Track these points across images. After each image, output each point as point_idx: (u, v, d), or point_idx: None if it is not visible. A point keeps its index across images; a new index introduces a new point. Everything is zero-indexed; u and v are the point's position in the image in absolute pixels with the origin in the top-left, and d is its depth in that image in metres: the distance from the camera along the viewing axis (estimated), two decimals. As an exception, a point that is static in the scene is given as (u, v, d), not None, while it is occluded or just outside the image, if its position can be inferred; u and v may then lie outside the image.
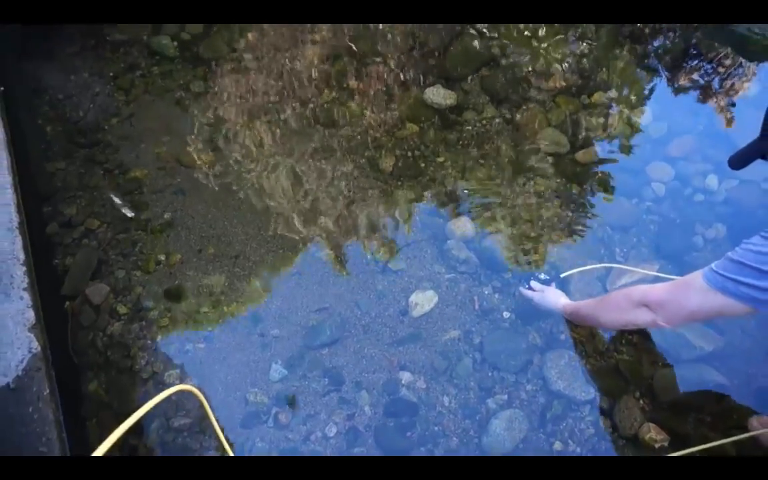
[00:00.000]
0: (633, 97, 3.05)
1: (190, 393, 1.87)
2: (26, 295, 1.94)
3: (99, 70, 3.07)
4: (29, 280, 2.00)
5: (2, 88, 2.67)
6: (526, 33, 3.33)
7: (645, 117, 2.90)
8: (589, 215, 2.46)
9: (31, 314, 1.90)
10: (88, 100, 2.93)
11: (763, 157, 1.51)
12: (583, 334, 2.05)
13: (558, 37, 3.30)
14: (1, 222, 2.10)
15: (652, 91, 3.08)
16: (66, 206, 2.49)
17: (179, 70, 3.07)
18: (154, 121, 2.84)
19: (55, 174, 2.62)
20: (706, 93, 3.01)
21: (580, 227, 2.42)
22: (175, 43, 3.17)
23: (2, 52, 2.95)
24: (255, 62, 3.13)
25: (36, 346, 1.82)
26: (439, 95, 2.87)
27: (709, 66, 3.15)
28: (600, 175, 2.61)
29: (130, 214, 2.49)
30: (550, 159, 2.65)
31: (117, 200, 2.54)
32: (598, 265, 2.24)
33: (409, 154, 2.68)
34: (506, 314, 2.13)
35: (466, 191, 2.54)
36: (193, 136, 2.77)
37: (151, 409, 1.46)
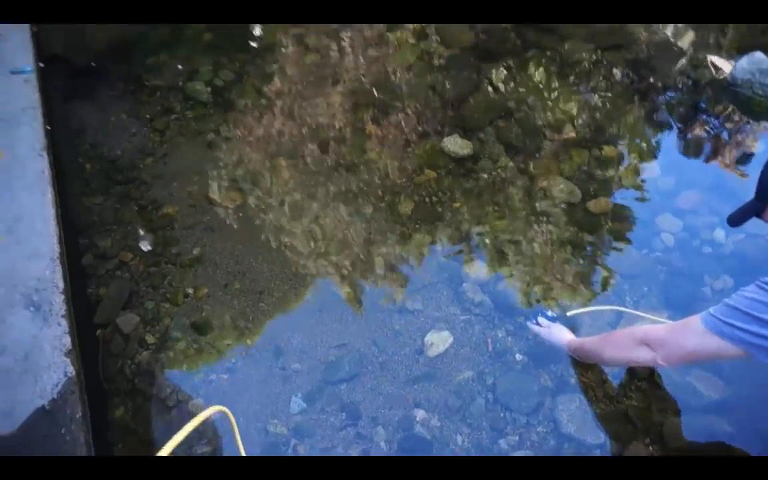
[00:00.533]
0: (643, 150, 3.11)
1: (212, 421, 1.93)
2: (63, 322, 2.02)
3: (137, 113, 3.21)
4: (67, 307, 2.07)
5: (49, 128, 2.80)
6: (540, 85, 3.42)
7: (654, 170, 2.96)
8: (599, 263, 2.50)
9: (67, 340, 1.97)
10: (126, 140, 3.05)
11: (758, 216, 1.59)
12: (593, 378, 2.07)
13: (571, 89, 3.39)
14: (43, 252, 2.19)
15: (661, 145, 3.14)
16: (101, 239, 2.59)
17: (211, 115, 3.20)
18: (186, 162, 2.95)
19: (92, 208, 2.72)
20: (713, 149, 3.07)
21: (590, 274, 2.46)
22: (209, 89, 3.31)
23: (50, 94, 3.10)
24: (281, 108, 3.25)
25: (71, 370, 1.89)
26: (456, 144, 2.96)
27: (716, 123, 3.21)
28: (610, 224, 2.65)
29: (146, 248, 2.58)
30: (562, 207, 2.70)
31: (140, 232, 2.63)
32: (605, 307, 2.27)
33: (427, 199, 2.75)
34: (519, 356, 2.16)
35: (481, 236, 2.60)
36: (222, 177, 2.87)
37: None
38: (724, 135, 3.14)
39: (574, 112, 3.25)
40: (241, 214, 2.71)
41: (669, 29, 3.80)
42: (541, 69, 3.53)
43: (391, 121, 3.17)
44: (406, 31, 3.74)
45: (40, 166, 2.53)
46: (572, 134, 3.08)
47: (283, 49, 3.62)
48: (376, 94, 3.32)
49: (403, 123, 3.15)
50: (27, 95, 2.88)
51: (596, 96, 3.38)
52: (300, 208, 2.73)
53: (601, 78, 3.49)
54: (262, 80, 3.41)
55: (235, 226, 2.66)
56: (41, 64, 3.20)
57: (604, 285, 2.41)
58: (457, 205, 2.73)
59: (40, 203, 2.38)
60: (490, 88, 3.37)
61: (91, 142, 3.04)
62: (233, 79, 3.38)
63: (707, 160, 3.03)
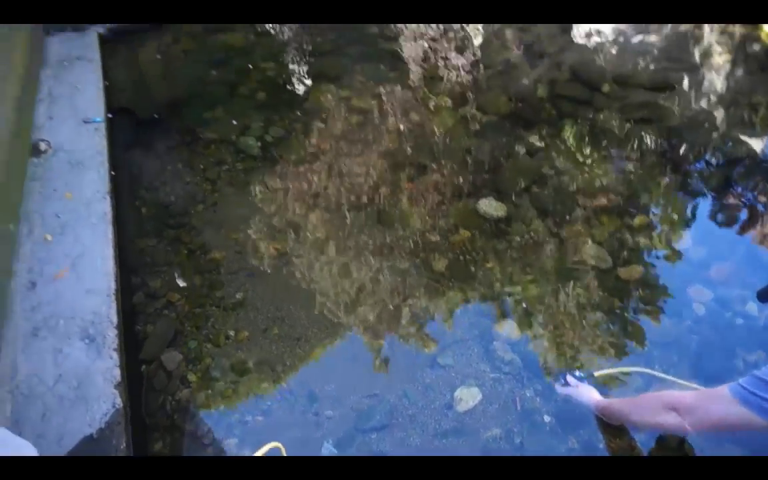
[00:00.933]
0: (674, 220, 3.11)
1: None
2: (115, 355, 2.11)
3: (191, 163, 3.38)
4: (118, 342, 2.17)
5: (113, 173, 2.99)
6: (574, 153, 3.48)
7: (686, 240, 2.95)
8: (629, 329, 2.49)
9: (117, 373, 2.06)
10: (180, 187, 3.22)
11: None
12: (621, 445, 2.04)
13: (604, 157, 3.44)
14: (101, 288, 2.32)
15: (693, 215, 3.14)
16: (152, 279, 2.70)
17: (260, 168, 3.35)
18: (234, 211, 3.09)
19: (145, 249, 2.86)
20: (745, 222, 3.05)
21: (620, 339, 2.45)
22: (259, 144, 3.48)
23: (116, 142, 3.31)
24: (325, 164, 3.39)
25: (119, 402, 1.96)
26: (490, 206, 3.02)
27: (749, 196, 3.20)
28: (641, 292, 2.65)
29: (182, 284, 2.68)
30: (593, 273, 2.71)
31: (176, 272, 2.75)
32: (633, 369, 2.25)
33: (461, 257, 2.80)
34: (547, 418, 2.15)
35: (512, 296, 2.63)
36: (266, 227, 2.99)
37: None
38: (758, 208, 3.13)
39: (607, 179, 3.29)
40: (282, 263, 2.80)
41: (702, 102, 3.85)
42: (575, 137, 3.60)
43: (428, 181, 3.26)
44: (446, 97, 3.88)
45: (104, 208, 2.70)
46: (604, 201, 3.11)
47: (328, 110, 3.79)
48: (415, 155, 3.43)
49: (439, 183, 3.24)
50: (96, 143, 3.09)
51: (629, 165, 3.41)
52: (338, 260, 2.81)
53: (633, 147, 3.54)
54: (308, 138, 3.58)
55: (277, 274, 2.75)
56: (110, 115, 3.44)
57: (634, 351, 2.39)
58: (489, 264, 2.77)
59: (101, 242, 2.52)
60: (525, 154, 3.44)
61: (148, 187, 3.21)
62: (282, 136, 3.55)
63: (739, 233, 3.01)
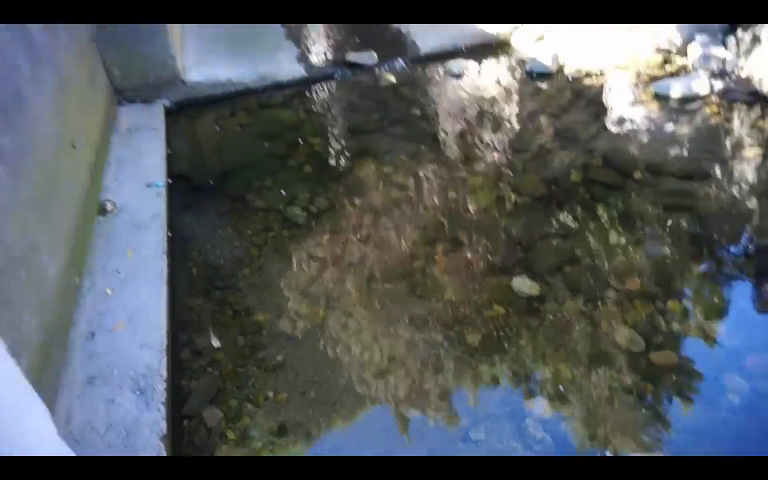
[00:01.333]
0: (709, 307, 3.08)
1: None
2: (162, 408, 2.19)
3: (240, 228, 3.54)
4: (166, 395, 2.25)
5: (170, 234, 3.16)
6: (607, 236, 3.51)
7: (720, 327, 2.91)
8: (661, 415, 2.44)
9: (163, 426, 2.13)
10: (228, 251, 3.36)
11: None
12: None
13: (637, 241, 3.46)
14: (153, 343, 2.42)
15: (727, 302, 3.10)
16: (198, 337, 2.81)
17: (304, 236, 3.49)
18: (279, 276, 3.20)
19: (193, 308, 2.98)
20: (782, 314, 3.00)
21: (651, 424, 2.40)
22: (305, 213, 3.63)
23: (172, 205, 3.51)
24: (365, 236, 3.50)
25: (164, 455, 2.02)
26: (524, 285, 3.06)
27: (785, 288, 3.15)
28: (674, 378, 2.61)
29: (216, 344, 2.76)
30: (625, 355, 2.69)
31: (212, 332, 2.83)
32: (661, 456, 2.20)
33: (494, 333, 2.82)
34: (578, 501, 2.10)
35: (545, 375, 2.62)
36: (308, 293, 3.09)
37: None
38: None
39: (640, 263, 3.29)
40: (320, 329, 2.88)
41: (734, 192, 3.85)
42: (608, 221, 3.64)
43: (462, 256, 3.33)
44: (482, 177, 4.00)
45: (160, 266, 2.85)
46: (637, 285, 3.11)
47: (370, 184, 3.94)
48: (450, 230, 3.52)
49: (474, 258, 3.30)
50: (156, 205, 3.28)
51: (662, 249, 3.42)
52: (374, 329, 2.87)
53: (666, 233, 3.55)
54: (350, 210, 3.71)
55: (315, 339, 2.82)
56: (170, 181, 3.66)
57: (666, 437, 2.34)
58: (522, 342, 2.78)
59: (156, 299, 2.65)
60: (558, 235, 3.49)
61: (199, 249, 3.37)
62: (326, 207, 3.70)
63: (775, 325, 2.96)
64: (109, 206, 3.25)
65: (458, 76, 5.26)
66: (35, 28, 2.79)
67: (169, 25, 4.35)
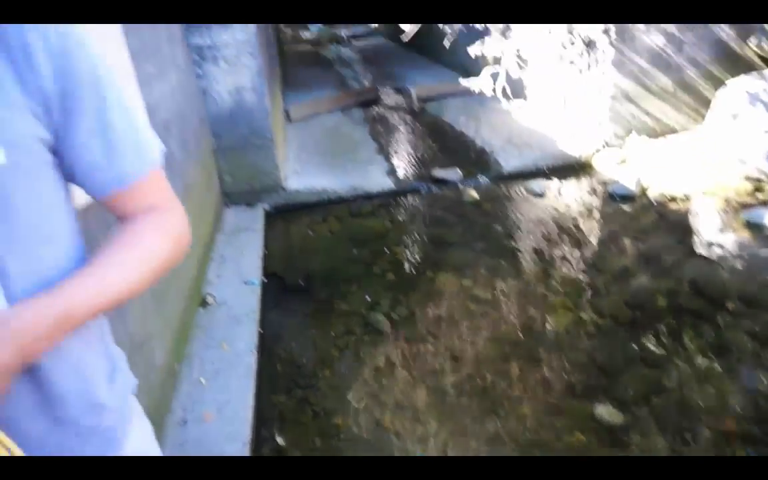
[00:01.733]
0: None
1: None
2: (243, 504, 2.23)
3: (323, 329, 3.67)
4: (248, 491, 2.30)
5: (261, 331, 3.33)
6: (698, 367, 3.31)
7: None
8: None
9: (243, 522, 2.16)
10: (311, 350, 3.48)
11: None
12: None
13: (731, 375, 3.22)
14: (240, 436, 2.51)
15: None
16: (279, 434, 2.87)
17: (384, 342, 3.55)
18: (358, 380, 3.25)
19: (276, 405, 3.07)
20: None
21: None
22: (386, 320, 3.71)
23: (265, 302, 3.72)
24: (442, 347, 3.51)
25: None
26: (608, 413, 2.91)
27: None
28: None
29: (282, 442, 2.78)
30: (722, 505, 2.45)
31: (300, 432, 2.87)
32: None
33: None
34: None
35: (630, 515, 2.42)
36: (385, 399, 3.10)
37: None
38: None
39: (736, 401, 3.05)
40: (396, 437, 2.85)
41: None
42: (698, 351, 3.44)
43: (540, 375, 3.24)
44: (562, 296, 3.94)
45: (250, 361, 2.99)
46: (733, 427, 2.87)
47: (450, 296, 3.99)
48: (529, 348, 3.45)
49: (552, 379, 3.20)
50: (251, 302, 3.50)
51: (761, 387, 3.16)
52: (451, 442, 2.81)
53: (764, 367, 3.29)
54: (430, 320, 3.76)
55: (391, 446, 2.79)
56: (264, 279, 3.90)
57: None
58: (605, 475, 2.61)
59: (245, 393, 2.77)
60: (643, 363, 3.33)
61: (285, 347, 3.51)
62: (406, 315, 3.77)
63: None
64: (209, 299, 3.50)
65: (540, 195, 5.35)
66: (174, 145, 3.21)
67: (275, 140, 4.82)
